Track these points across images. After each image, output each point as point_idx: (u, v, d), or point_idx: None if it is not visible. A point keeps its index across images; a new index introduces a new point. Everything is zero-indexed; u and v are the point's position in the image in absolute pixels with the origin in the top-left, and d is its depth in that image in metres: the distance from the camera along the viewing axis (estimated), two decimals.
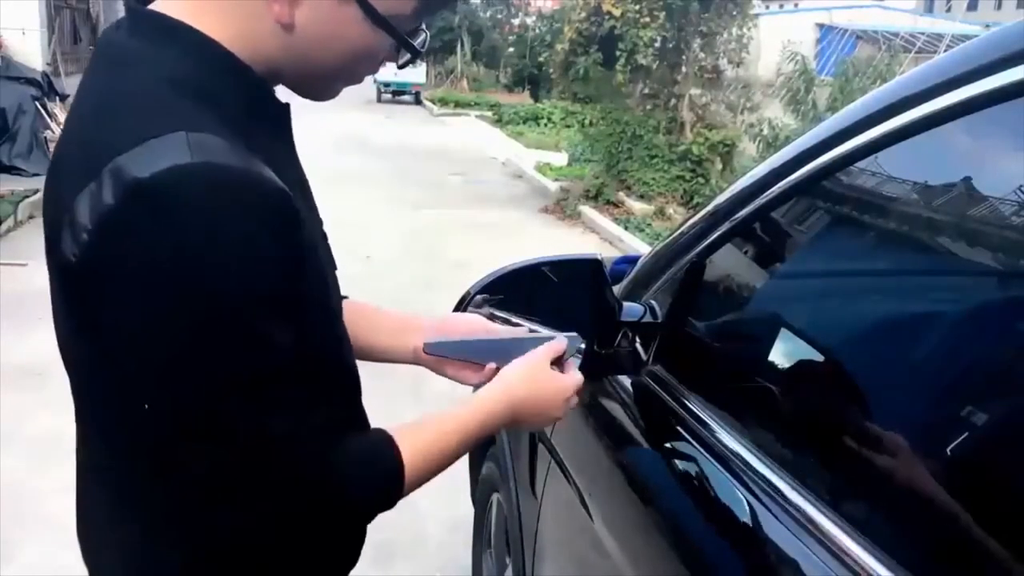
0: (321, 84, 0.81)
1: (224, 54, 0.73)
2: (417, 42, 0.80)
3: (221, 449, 0.69)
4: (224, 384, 0.68)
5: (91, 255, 0.66)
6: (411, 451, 0.80)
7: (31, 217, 6.49)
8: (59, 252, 0.68)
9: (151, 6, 0.75)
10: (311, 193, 0.85)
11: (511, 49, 21.90)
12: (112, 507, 0.81)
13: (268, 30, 0.74)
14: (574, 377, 0.96)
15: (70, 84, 9.39)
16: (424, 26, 0.81)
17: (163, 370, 0.67)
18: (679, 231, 1.22)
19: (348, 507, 0.78)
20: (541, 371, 0.93)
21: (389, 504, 0.80)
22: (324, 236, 0.86)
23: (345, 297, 0.94)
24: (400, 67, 0.85)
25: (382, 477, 0.79)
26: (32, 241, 5.77)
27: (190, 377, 0.67)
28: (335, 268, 0.87)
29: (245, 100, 0.74)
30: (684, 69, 7.92)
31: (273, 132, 0.79)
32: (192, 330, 0.66)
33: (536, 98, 16.89)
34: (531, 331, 1.01)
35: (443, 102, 18.41)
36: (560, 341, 0.96)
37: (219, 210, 0.65)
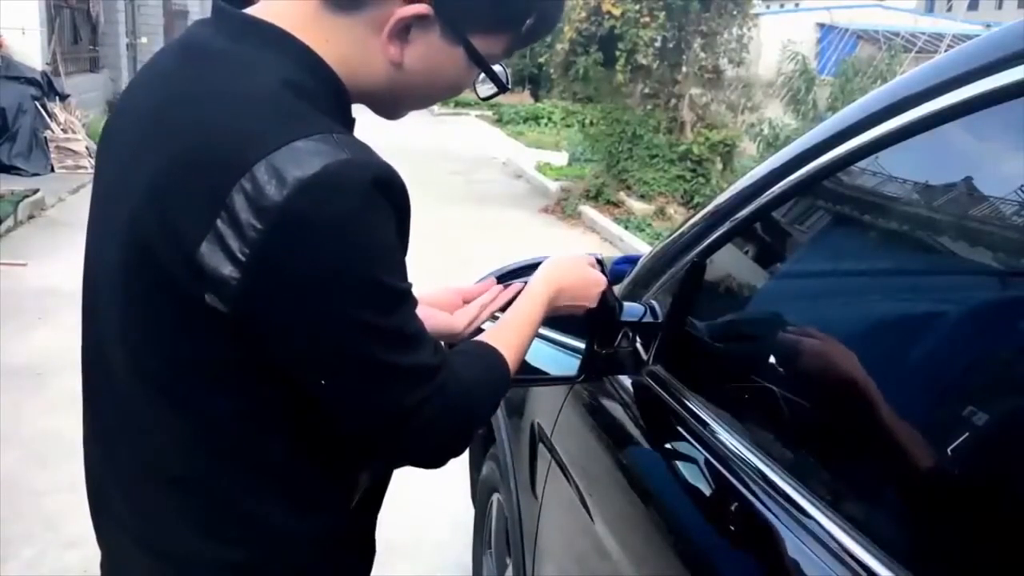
0: (403, 109, 0.89)
1: (331, 74, 0.79)
2: (501, 75, 0.87)
3: (384, 396, 0.77)
4: (385, 335, 0.75)
5: (263, 253, 0.69)
6: (502, 343, 0.92)
7: (31, 217, 6.49)
8: (194, 258, 0.70)
9: (252, 10, 0.79)
10: None
11: None
12: (222, 507, 0.82)
13: (376, 64, 0.80)
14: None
15: (70, 84, 9.39)
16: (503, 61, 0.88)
17: (335, 338, 0.74)
18: (679, 231, 1.22)
19: (481, 406, 0.89)
20: (577, 262, 1.07)
21: (504, 393, 0.93)
22: None
23: None
24: (484, 99, 0.94)
25: (491, 367, 0.90)
26: (32, 241, 5.77)
27: (359, 335, 0.74)
28: None
29: (341, 119, 0.79)
30: (684, 69, 7.92)
31: None
32: (359, 298, 0.73)
33: (536, 98, 16.87)
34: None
35: (443, 101, 18.36)
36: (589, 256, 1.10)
37: (376, 199, 0.72)
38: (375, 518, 0.98)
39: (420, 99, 0.88)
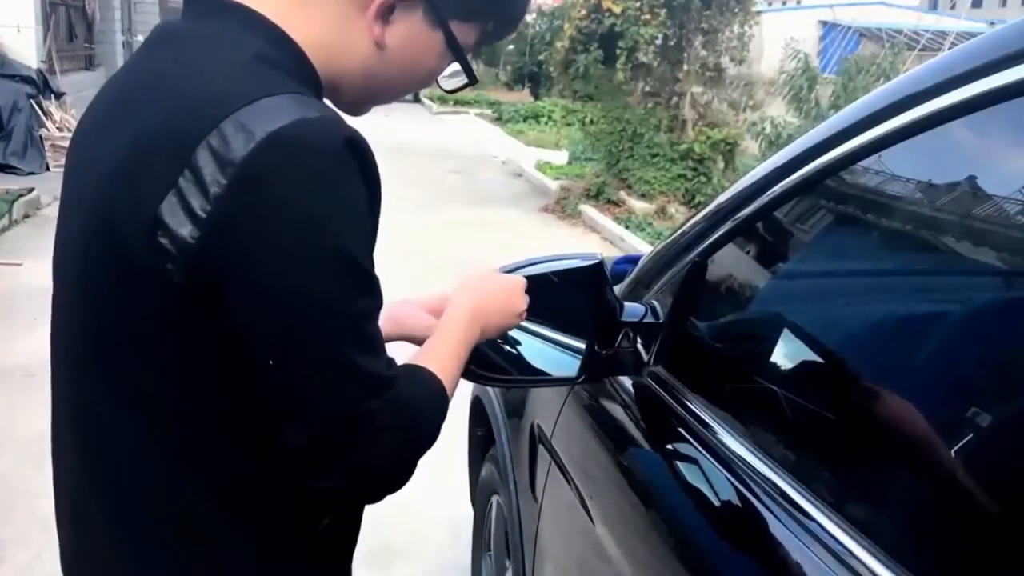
0: (370, 101, 0.88)
1: (300, 54, 0.77)
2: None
3: (343, 392, 0.71)
4: (350, 317, 0.71)
5: (224, 207, 0.66)
6: (437, 367, 0.84)
7: (26, 216, 6.49)
8: (173, 232, 0.67)
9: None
10: None
11: (511, 47, 21.87)
12: (204, 482, 0.77)
13: (357, 46, 0.80)
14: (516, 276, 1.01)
15: (65, 82, 9.39)
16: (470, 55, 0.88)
17: (296, 310, 0.68)
18: (681, 230, 1.21)
19: (430, 428, 0.80)
20: (490, 274, 1.00)
21: (444, 417, 0.83)
22: None
23: None
24: (449, 92, 0.92)
25: (435, 393, 0.82)
26: (27, 240, 5.76)
27: (320, 313, 0.69)
28: None
29: (316, 94, 0.78)
30: (685, 67, 7.92)
31: None
32: (326, 269, 0.69)
33: (536, 96, 16.88)
34: None
35: (442, 100, 18.38)
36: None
37: (350, 163, 0.70)
38: (348, 564, 0.92)
39: (392, 87, 0.87)
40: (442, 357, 0.87)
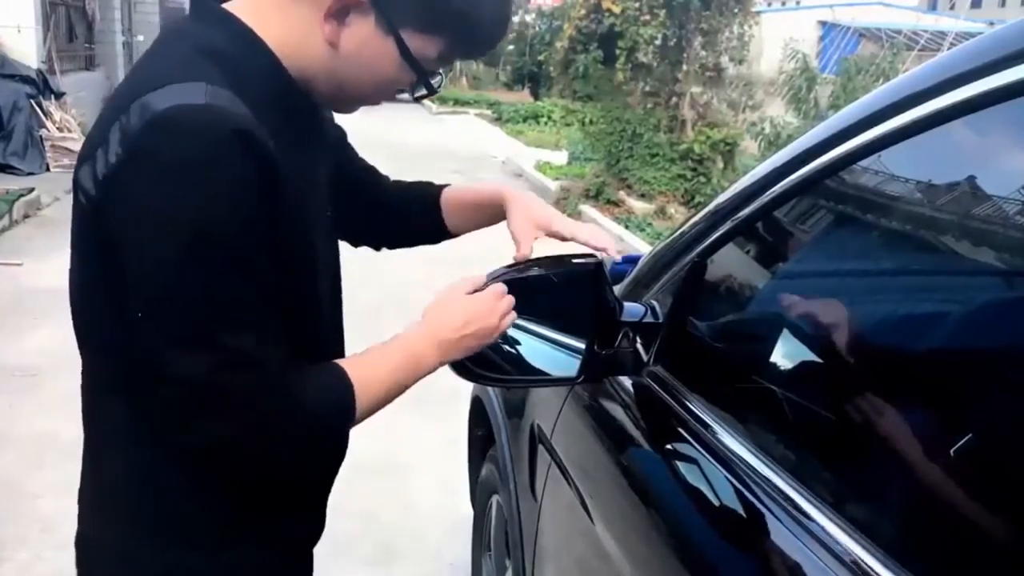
0: (345, 101, 0.93)
1: (261, 44, 0.84)
2: (435, 81, 0.91)
3: (197, 360, 0.77)
4: (207, 292, 0.77)
5: (112, 175, 0.76)
6: (356, 370, 0.89)
7: (27, 216, 6.48)
8: (82, 184, 0.79)
9: (225, 5, 0.86)
10: (324, 203, 0.97)
11: (511, 47, 21.85)
12: (120, 419, 0.89)
13: (315, 45, 0.85)
14: (489, 290, 1.02)
15: (66, 82, 9.38)
16: (441, 71, 0.93)
17: (159, 272, 0.76)
18: (680, 230, 1.21)
19: (307, 417, 0.85)
20: (450, 295, 1.01)
21: (345, 419, 0.88)
22: (327, 227, 0.98)
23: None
24: (415, 100, 0.98)
25: (336, 388, 0.87)
26: (28, 240, 5.76)
27: (181, 281, 0.76)
28: (331, 262, 1.00)
29: (273, 88, 0.85)
30: (685, 67, 7.91)
31: (300, 130, 0.90)
32: (186, 243, 0.75)
33: (536, 96, 16.88)
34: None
35: (442, 100, 18.37)
36: (477, 276, 1.04)
37: (229, 152, 0.75)
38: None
39: (356, 92, 0.91)
40: (373, 367, 0.92)
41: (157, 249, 0.76)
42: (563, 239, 1.11)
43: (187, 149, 0.74)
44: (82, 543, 0.96)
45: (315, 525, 1.07)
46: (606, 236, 1.12)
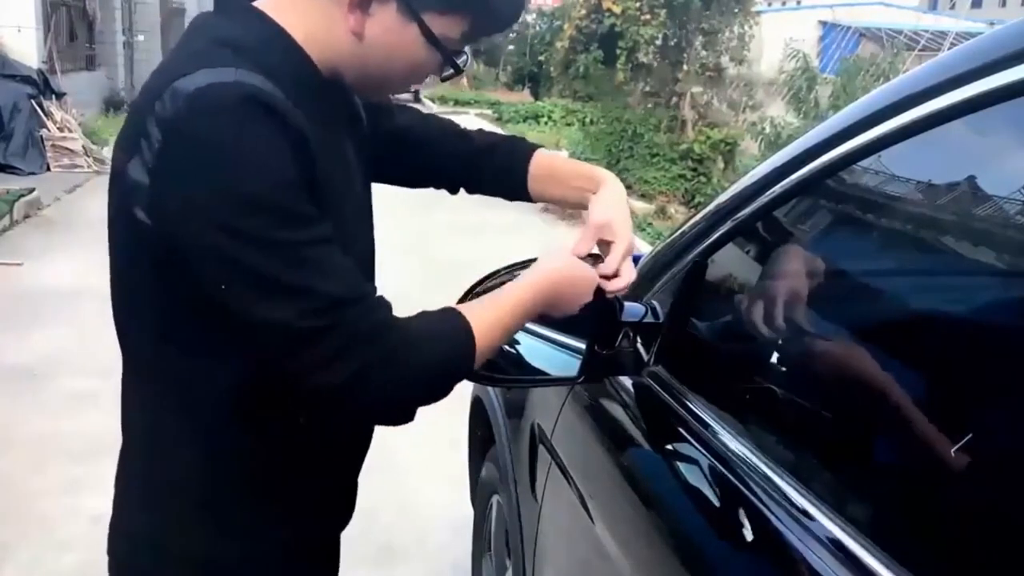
0: (374, 89, 0.95)
1: (287, 36, 0.86)
2: (460, 61, 0.92)
3: (277, 313, 0.79)
4: (272, 249, 0.78)
5: (157, 160, 0.79)
6: (473, 314, 0.90)
7: (27, 216, 6.48)
8: (131, 176, 0.81)
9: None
10: (356, 182, 0.99)
11: (511, 47, 21.88)
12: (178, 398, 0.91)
13: (340, 36, 0.87)
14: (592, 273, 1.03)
15: (66, 82, 9.38)
16: (466, 48, 0.93)
17: (227, 240, 0.78)
18: (680, 230, 1.21)
19: (424, 359, 0.86)
20: (577, 260, 1.02)
21: (467, 361, 0.89)
22: (358, 204, 1.00)
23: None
24: (443, 80, 0.98)
25: (448, 330, 0.88)
26: (28, 241, 5.76)
27: (242, 244, 0.78)
28: (363, 237, 1.02)
29: (300, 76, 0.86)
30: (685, 67, 7.92)
31: (327, 113, 0.91)
32: (231, 206, 0.77)
33: (536, 96, 16.88)
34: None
35: (443, 100, 18.40)
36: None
37: (255, 119, 0.78)
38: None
39: (384, 79, 0.92)
40: (494, 306, 0.93)
41: (210, 211, 0.78)
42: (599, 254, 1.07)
43: (221, 122, 0.77)
44: (117, 535, 0.99)
45: (345, 509, 1.09)
46: (629, 280, 1.05)
